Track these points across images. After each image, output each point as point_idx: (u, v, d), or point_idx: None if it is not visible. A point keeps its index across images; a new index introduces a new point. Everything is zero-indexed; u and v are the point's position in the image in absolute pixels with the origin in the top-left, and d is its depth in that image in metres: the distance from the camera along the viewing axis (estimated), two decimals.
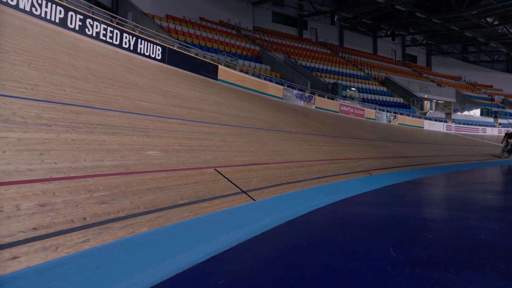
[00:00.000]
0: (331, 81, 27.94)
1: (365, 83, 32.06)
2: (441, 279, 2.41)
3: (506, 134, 15.70)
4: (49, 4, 10.25)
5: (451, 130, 32.28)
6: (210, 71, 15.49)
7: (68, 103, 4.80)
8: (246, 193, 4.57)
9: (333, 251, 3.13)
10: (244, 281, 2.42)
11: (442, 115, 35.33)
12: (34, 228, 2.57)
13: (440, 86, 39.80)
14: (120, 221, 3.07)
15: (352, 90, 29.27)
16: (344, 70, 31.86)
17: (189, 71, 14.60)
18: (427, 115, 33.03)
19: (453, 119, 35.26)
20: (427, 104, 34.20)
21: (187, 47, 17.69)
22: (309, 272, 2.59)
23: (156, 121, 5.83)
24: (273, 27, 32.10)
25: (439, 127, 31.55)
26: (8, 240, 2.38)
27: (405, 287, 2.30)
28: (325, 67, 30.31)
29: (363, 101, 28.79)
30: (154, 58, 13.64)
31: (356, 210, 4.97)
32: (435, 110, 36.30)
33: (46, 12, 10.23)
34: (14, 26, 7.36)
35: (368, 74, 34.14)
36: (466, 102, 39.51)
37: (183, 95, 8.91)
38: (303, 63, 28.24)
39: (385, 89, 33.21)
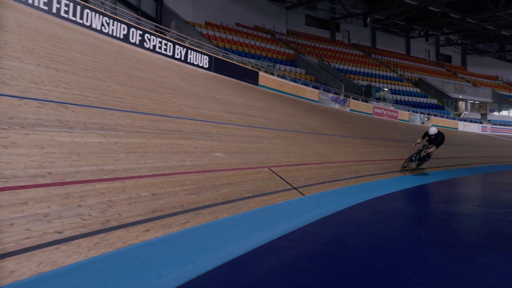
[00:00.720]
0: (364, 83, 28.28)
1: (398, 85, 32.08)
2: (461, 254, 3.17)
3: (426, 133, 9.64)
4: (115, 22, 11.54)
5: (487, 131, 31.81)
6: (251, 77, 16.48)
7: (148, 112, 5.80)
8: (296, 189, 5.40)
9: (375, 235, 3.92)
10: (309, 253, 3.26)
11: (477, 116, 34.81)
12: (153, 211, 3.50)
13: (476, 86, 39.04)
14: (206, 208, 3.97)
15: (385, 91, 29.43)
16: (377, 72, 32.00)
17: (233, 78, 15.63)
18: (461, 116, 32.67)
19: (488, 120, 34.67)
20: (461, 105, 33.82)
21: (226, 53, 18.70)
22: (359, 249, 3.40)
23: (215, 127, 6.76)
24: (306, 30, 32.59)
25: (474, 128, 31.18)
26: (139, 218, 3.31)
27: (432, 258, 3.07)
28: (358, 69, 30.58)
29: (396, 102, 28.90)
30: (202, 67, 14.75)
31: (391, 205, 5.70)
32: (470, 111, 35.78)
33: (113, 30, 11.55)
34: (92, 45, 8.53)
35: (401, 75, 34.10)
36: (503, 103, 38.55)
37: (232, 102, 9.86)
38: (336, 66, 28.71)
39: (418, 90, 33.10)
